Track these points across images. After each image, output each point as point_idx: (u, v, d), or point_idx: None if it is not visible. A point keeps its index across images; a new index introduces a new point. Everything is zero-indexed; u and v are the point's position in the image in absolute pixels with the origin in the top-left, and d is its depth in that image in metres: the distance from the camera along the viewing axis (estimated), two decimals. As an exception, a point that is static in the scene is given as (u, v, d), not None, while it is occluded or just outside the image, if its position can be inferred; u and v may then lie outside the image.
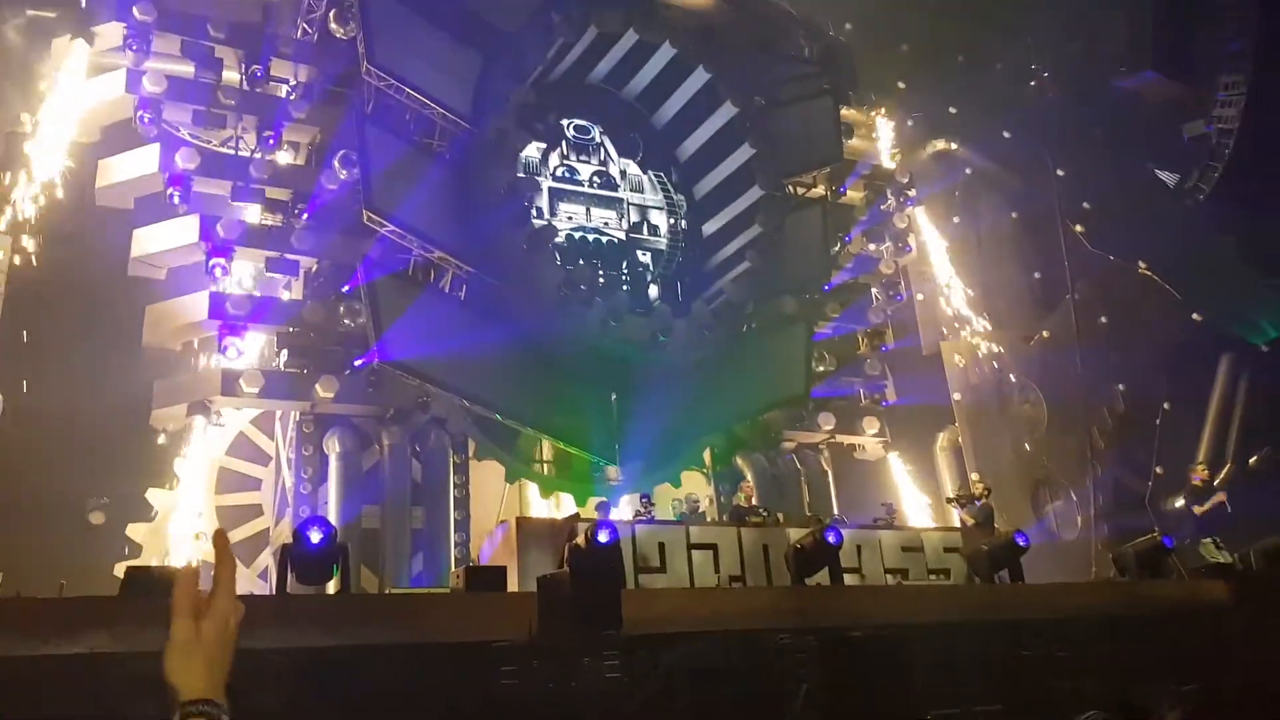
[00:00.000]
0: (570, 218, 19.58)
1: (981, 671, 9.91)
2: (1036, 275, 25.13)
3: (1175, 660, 9.76)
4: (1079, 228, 23.89)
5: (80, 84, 16.37)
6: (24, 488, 15.29)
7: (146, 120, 16.10)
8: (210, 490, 17.29)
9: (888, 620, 10.13)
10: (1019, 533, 13.07)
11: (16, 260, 15.71)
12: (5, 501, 14.78)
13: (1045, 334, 23.78)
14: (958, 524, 15.95)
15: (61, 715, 7.06)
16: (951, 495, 15.57)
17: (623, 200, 20.36)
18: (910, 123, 24.98)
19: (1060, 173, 23.78)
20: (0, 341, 15.12)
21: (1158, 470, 22.01)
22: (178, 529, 16.53)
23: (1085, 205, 24.34)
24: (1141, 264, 23.51)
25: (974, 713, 9.74)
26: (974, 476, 16.69)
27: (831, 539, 11.66)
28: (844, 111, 22.45)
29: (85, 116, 16.54)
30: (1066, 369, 21.76)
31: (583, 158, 20.19)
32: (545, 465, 17.90)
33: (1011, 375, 23.50)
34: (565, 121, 20.11)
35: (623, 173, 20.50)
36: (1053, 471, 22.04)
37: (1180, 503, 18.48)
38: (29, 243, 15.68)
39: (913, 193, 23.84)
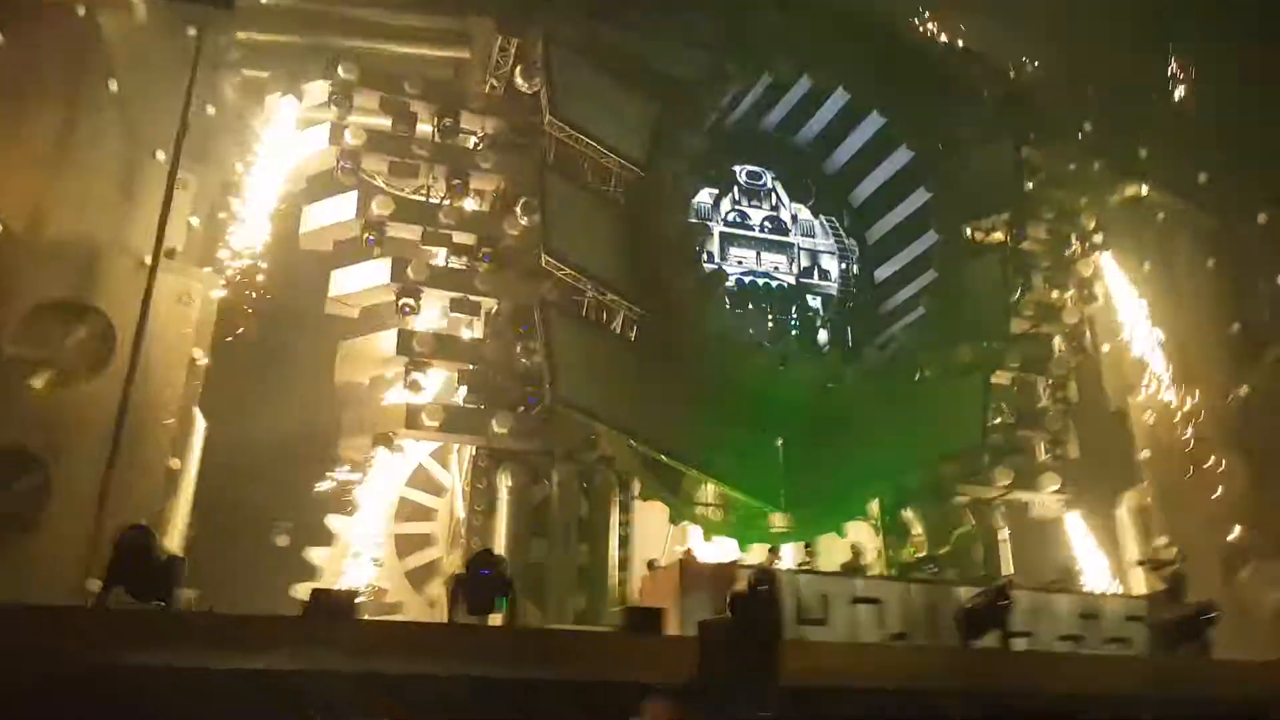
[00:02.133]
0: (740, 262, 19.73)
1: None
2: (1236, 326, 23.40)
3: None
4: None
5: (288, 137, 17.77)
6: (223, 510, 16.54)
7: (347, 170, 17.32)
8: (389, 519, 18.19)
9: (1060, 691, 9.63)
10: (1208, 604, 12.17)
11: (229, 296, 17.12)
12: (206, 522, 15.98)
13: (1245, 389, 22.08)
14: (1143, 590, 14.94)
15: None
16: (1141, 558, 14.58)
17: (793, 245, 20.36)
18: (1097, 166, 23.91)
19: (1263, 217, 22.17)
20: (211, 372, 16.45)
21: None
22: (356, 554, 17.50)
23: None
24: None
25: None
26: (1163, 540, 15.60)
27: (1001, 601, 11.19)
28: (1026, 154, 21.74)
29: (292, 167, 17.92)
30: (1269, 427, 20.11)
31: (754, 203, 20.34)
32: (710, 508, 17.92)
33: (1207, 434, 21.91)
34: (738, 168, 20.33)
35: (794, 217, 20.53)
36: (1252, 538, 20.34)
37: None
38: (238, 282, 17.08)
39: (1100, 238, 22.80)
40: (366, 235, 17.08)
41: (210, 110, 16.91)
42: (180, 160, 14.59)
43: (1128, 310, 23.22)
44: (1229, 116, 24.40)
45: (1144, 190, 24.68)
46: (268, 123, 17.85)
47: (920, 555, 15.53)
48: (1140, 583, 20.10)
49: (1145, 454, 21.97)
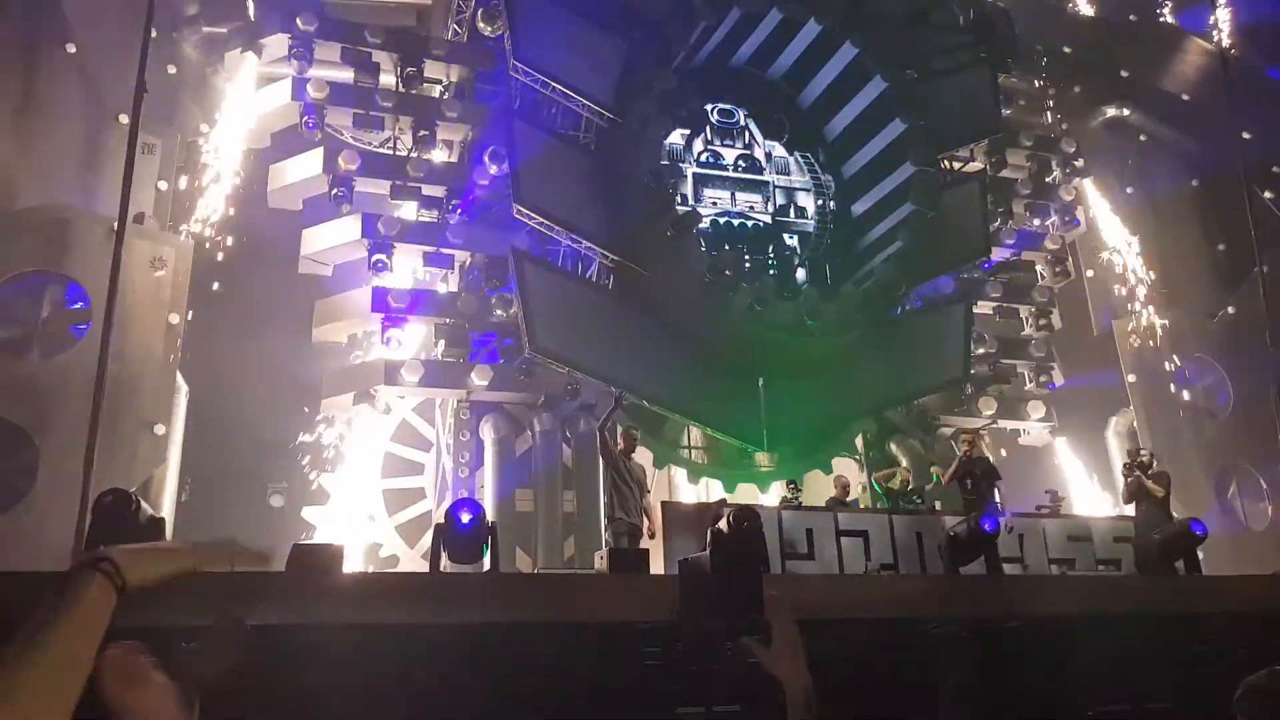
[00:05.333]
0: (715, 203, 19.46)
1: (1150, 668, 9.28)
2: (1220, 247, 23.28)
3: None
4: (1268, 194, 22.01)
5: (251, 94, 17.44)
6: (212, 473, 16.48)
7: (311, 125, 17.01)
8: (378, 474, 18.18)
9: (1048, 612, 9.63)
10: (1196, 521, 12.18)
11: (202, 259, 16.90)
12: (196, 485, 15.92)
13: (1231, 310, 22.02)
14: (1129, 509, 14.83)
15: (226, 683, 7.53)
16: (1129, 461, 14.40)
17: (768, 183, 20.07)
18: (1077, 89, 23.64)
19: (1247, 136, 21.95)
20: (189, 336, 16.29)
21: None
22: (349, 511, 17.51)
23: (1275, 169, 22.40)
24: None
25: (1142, 711, 9.15)
26: (1142, 449, 15.38)
27: (987, 526, 11.18)
28: (1003, 80, 21.44)
29: (256, 124, 17.60)
30: (1254, 347, 20.08)
31: (727, 142, 20.00)
32: (693, 451, 17.92)
33: (1193, 354, 21.91)
34: (709, 106, 19.97)
35: (768, 155, 20.21)
36: (1239, 456, 20.44)
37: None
38: (209, 243, 16.85)
39: (1080, 163, 22.59)
40: (335, 191, 16.81)
41: (171, 70, 16.55)
42: (143, 123, 14.26)
43: (1111, 234, 23.10)
44: (1206, 35, 24.11)
45: (1125, 113, 24.44)
46: (230, 80, 17.49)
47: (904, 486, 15.49)
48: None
49: (1131, 378, 21.98)
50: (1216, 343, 21.87)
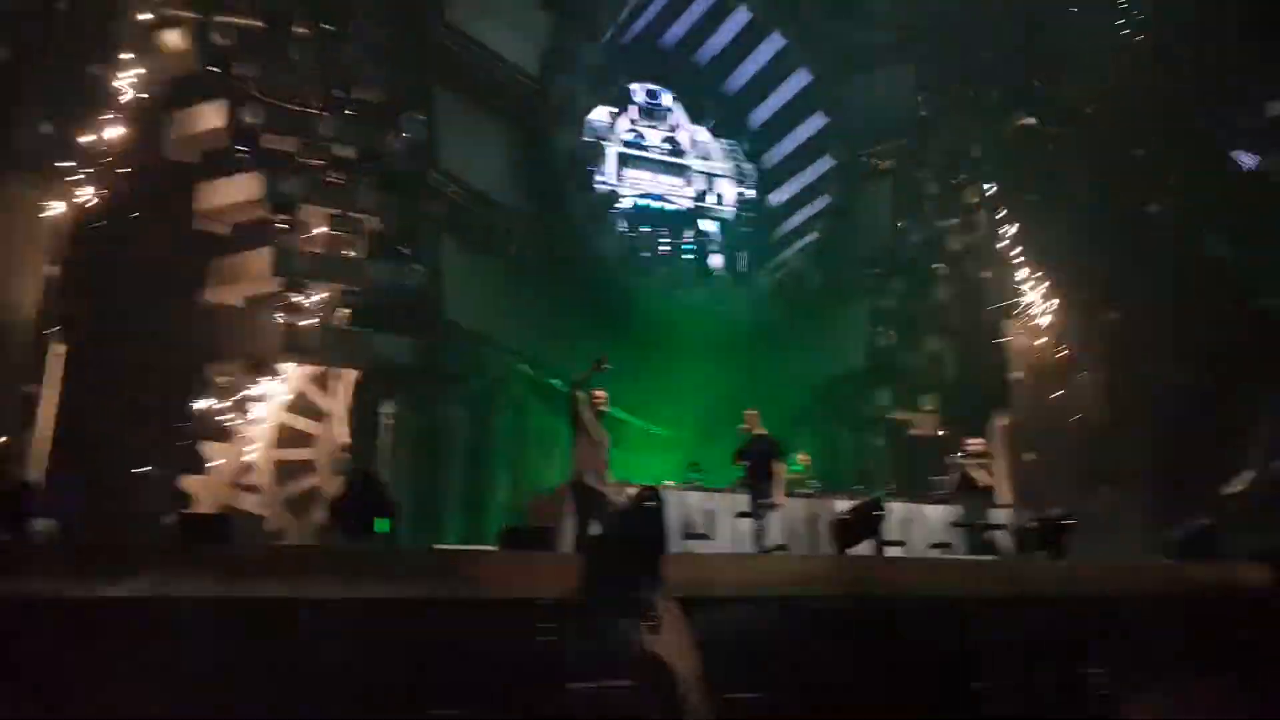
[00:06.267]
0: (636, 184, 19.40)
1: (1020, 649, 9.69)
2: (1111, 254, 24.22)
3: (1213, 646, 9.43)
4: (1156, 206, 22.94)
5: (151, 35, 16.54)
6: (86, 433, 15.65)
7: (215, 74, 16.22)
8: (267, 445, 17.56)
9: (927, 593, 9.91)
10: (1066, 513, 12.70)
11: (89, 207, 16.00)
12: (68, 445, 15.11)
13: (1115, 315, 22.95)
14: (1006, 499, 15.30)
15: (106, 657, 7.18)
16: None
17: (690, 168, 20.12)
18: (994, 95, 24.19)
19: (1139, 151, 22.83)
20: (69, 291, 15.40)
21: (1221, 458, 21.12)
22: (232, 481, 16.89)
23: (1168, 181, 23.36)
24: (1216, 245, 22.50)
25: (1017, 685, 9.53)
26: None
27: (875, 511, 11.44)
28: (923, 82, 21.82)
29: (156, 69, 16.72)
30: (1136, 351, 20.99)
31: (652, 123, 19.97)
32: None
33: (1076, 356, 22.78)
34: (636, 86, 19.88)
35: (693, 140, 20.23)
36: (1111, 453, 21.34)
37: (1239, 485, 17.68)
38: (100, 194, 15.94)
39: (988, 167, 23.16)
40: (238, 146, 16.10)
41: (60, 4, 15.59)
42: (27, 59, 13.45)
43: (1011, 237, 23.74)
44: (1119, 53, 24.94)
45: (1034, 121, 25.13)
46: (126, 18, 16.54)
47: (807, 473, 15.71)
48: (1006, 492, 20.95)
49: (1018, 375, 22.73)
50: (1101, 345, 22.76)
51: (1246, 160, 23.57)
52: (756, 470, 12.78)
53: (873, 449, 19.39)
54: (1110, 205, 24.08)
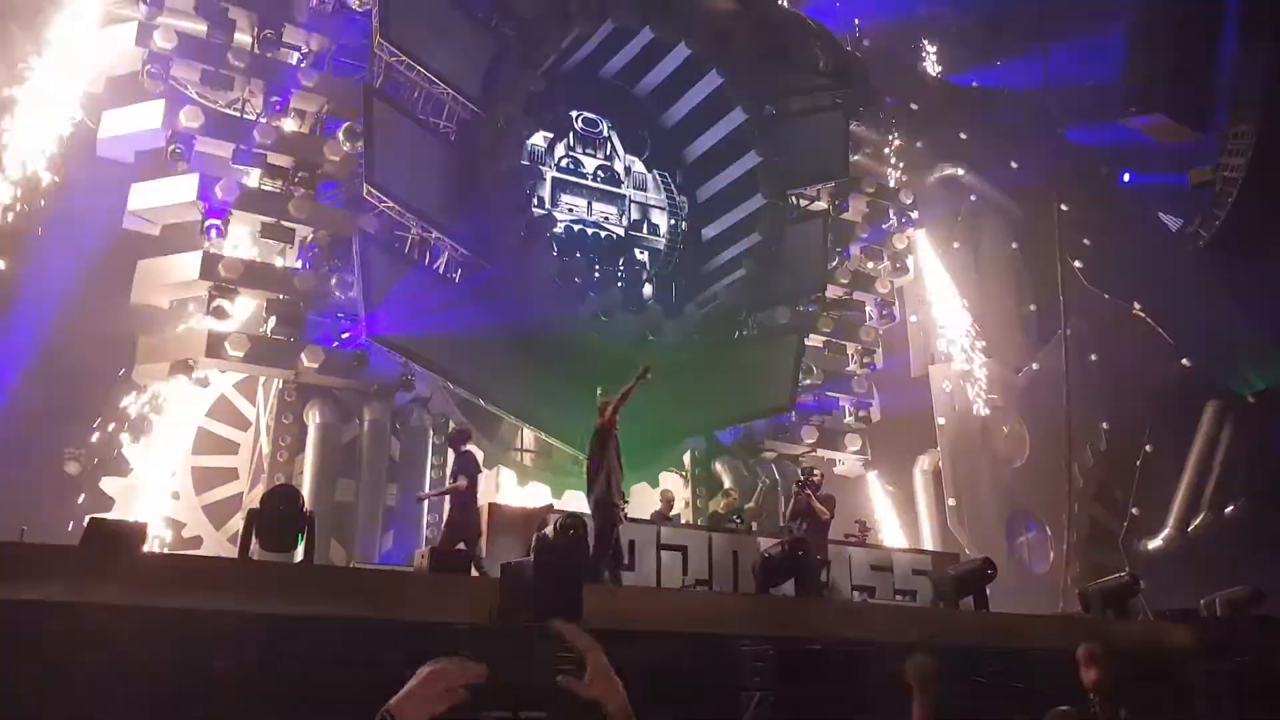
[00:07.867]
0: (571, 209, 19.54)
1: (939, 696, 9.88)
2: (1032, 307, 25.19)
3: (1133, 701, 9.74)
4: (1077, 263, 23.93)
5: (91, 32, 16.25)
6: (3, 434, 15.18)
7: (154, 75, 15.99)
8: (188, 451, 17.20)
9: (848, 636, 10.11)
10: (987, 561, 13.07)
11: (16, 198, 15.60)
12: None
13: (1035, 366, 23.82)
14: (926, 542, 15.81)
15: (8, 661, 6.99)
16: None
17: (625, 197, 20.33)
18: (919, 145, 25.00)
19: (1064, 207, 23.82)
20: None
21: (1134, 511, 22.06)
22: (152, 486, 16.49)
23: (1085, 241, 24.39)
24: (1136, 305, 23.57)
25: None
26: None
27: (799, 551, 11.64)
28: (853, 128, 22.47)
29: (92, 66, 16.41)
30: (1053, 403, 21.77)
31: (589, 151, 20.15)
32: (524, 454, 17.85)
33: (998, 405, 23.53)
34: (574, 113, 20.05)
35: (627, 169, 20.47)
36: (1030, 503, 22.07)
37: (1155, 544, 18.48)
38: (27, 187, 15.57)
39: (915, 215, 23.90)
40: (172, 148, 15.86)
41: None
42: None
43: (935, 284, 24.51)
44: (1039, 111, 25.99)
45: (960, 173, 26.03)
46: (65, 13, 16.23)
47: (730, 509, 15.93)
48: (929, 539, 21.49)
49: (941, 420, 23.37)
50: (1019, 396, 23.57)
51: (1170, 220, 24.80)
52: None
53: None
54: (1028, 258, 25.08)
